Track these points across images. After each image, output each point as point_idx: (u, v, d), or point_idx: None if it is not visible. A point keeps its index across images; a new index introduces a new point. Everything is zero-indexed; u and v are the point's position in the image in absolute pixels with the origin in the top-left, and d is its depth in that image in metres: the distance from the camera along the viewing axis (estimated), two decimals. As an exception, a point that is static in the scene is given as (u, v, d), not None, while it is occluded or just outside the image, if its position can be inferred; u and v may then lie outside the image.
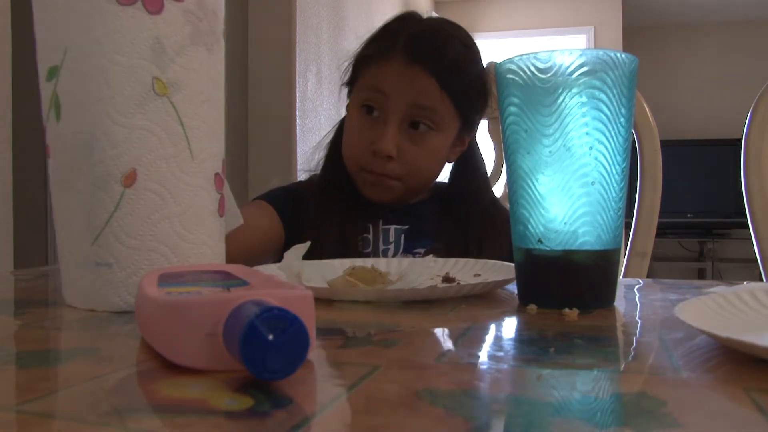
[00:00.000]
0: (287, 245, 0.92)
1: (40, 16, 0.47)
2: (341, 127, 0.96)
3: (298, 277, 0.54)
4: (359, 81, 0.90)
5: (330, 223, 0.90)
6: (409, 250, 0.89)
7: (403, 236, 0.91)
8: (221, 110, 0.50)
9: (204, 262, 0.47)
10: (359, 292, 0.49)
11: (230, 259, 0.56)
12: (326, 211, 0.91)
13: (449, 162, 0.95)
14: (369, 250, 0.90)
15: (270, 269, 0.57)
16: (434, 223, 0.93)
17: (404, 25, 0.88)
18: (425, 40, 0.85)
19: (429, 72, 0.83)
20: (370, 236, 0.91)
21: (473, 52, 0.89)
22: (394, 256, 0.89)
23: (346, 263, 0.63)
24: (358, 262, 0.64)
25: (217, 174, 0.49)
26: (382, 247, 0.90)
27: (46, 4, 0.46)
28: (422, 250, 0.88)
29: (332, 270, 0.58)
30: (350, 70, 0.93)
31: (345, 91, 0.95)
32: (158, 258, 0.45)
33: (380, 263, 0.63)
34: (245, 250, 0.85)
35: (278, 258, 0.93)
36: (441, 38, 0.86)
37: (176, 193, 0.46)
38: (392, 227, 0.91)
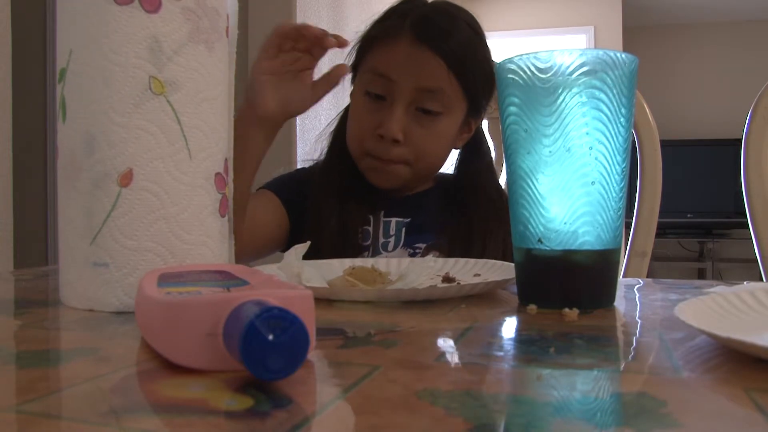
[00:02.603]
0: (292, 232, 0.91)
1: (57, 19, 0.48)
2: (345, 116, 0.94)
3: (298, 277, 0.54)
4: (364, 64, 0.88)
5: (329, 213, 0.88)
6: (409, 245, 0.88)
7: (404, 230, 0.89)
8: (224, 109, 0.50)
9: (203, 262, 0.47)
10: (359, 292, 0.49)
11: (237, 254, 0.55)
12: (326, 200, 0.89)
13: (456, 148, 0.93)
14: (368, 242, 0.88)
15: (270, 269, 0.57)
16: (437, 216, 0.91)
17: (411, 6, 0.87)
18: (433, 20, 0.84)
19: (436, 52, 0.82)
20: (371, 228, 0.89)
21: (479, 35, 0.89)
22: (394, 249, 0.88)
23: (346, 263, 0.63)
24: (358, 261, 0.64)
25: (218, 174, 0.49)
26: (381, 240, 0.89)
27: (59, 8, 0.47)
28: (423, 245, 0.87)
29: (332, 270, 0.58)
30: (354, 53, 0.91)
31: (344, 90, 0.94)
32: (155, 258, 0.45)
33: (380, 263, 0.63)
34: (250, 246, 0.85)
35: (285, 247, 0.92)
36: (448, 19, 0.85)
37: (173, 193, 0.46)
38: (393, 220, 0.90)
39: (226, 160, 0.51)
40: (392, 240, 0.89)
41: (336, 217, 0.88)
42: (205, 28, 0.47)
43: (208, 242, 0.48)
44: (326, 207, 0.89)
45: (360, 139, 0.87)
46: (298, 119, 2.35)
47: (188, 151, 0.46)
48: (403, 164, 0.86)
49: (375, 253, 0.88)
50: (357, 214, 0.89)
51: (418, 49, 0.82)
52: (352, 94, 0.92)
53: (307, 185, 0.93)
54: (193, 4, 0.46)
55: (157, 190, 0.45)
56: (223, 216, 0.50)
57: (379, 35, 0.87)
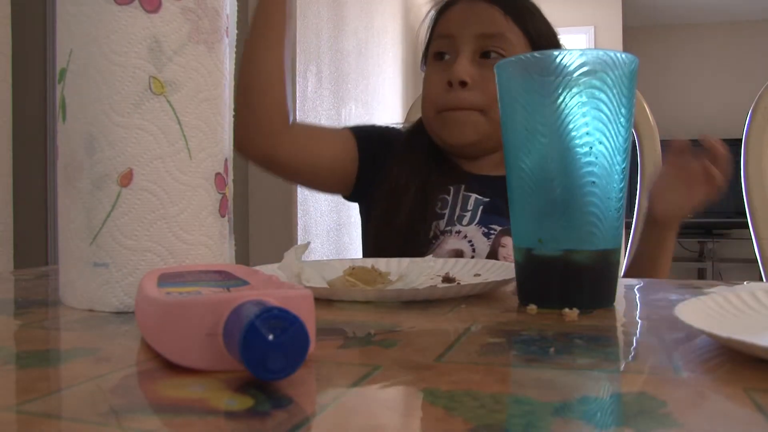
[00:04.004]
0: (360, 182, 0.94)
1: (57, 20, 0.48)
2: None
3: (298, 277, 0.54)
4: (432, 34, 0.93)
5: (414, 175, 0.90)
6: (484, 224, 0.88)
7: (481, 208, 0.89)
8: (224, 109, 0.50)
9: (203, 262, 0.47)
10: (359, 292, 0.49)
11: (289, 155, 0.56)
12: (409, 164, 0.92)
13: None
14: (445, 211, 0.89)
15: (270, 269, 0.57)
16: None
17: None
18: None
19: (491, 2, 0.86)
20: (449, 198, 0.91)
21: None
22: (468, 224, 0.88)
23: (346, 263, 0.63)
24: (358, 262, 0.64)
25: (218, 174, 0.49)
26: (458, 212, 0.89)
27: (60, 8, 0.47)
28: (498, 228, 0.87)
29: (332, 270, 0.58)
30: (429, 30, 0.95)
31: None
32: (154, 258, 0.45)
33: (380, 263, 0.63)
34: (306, 151, 0.90)
35: (349, 191, 0.96)
36: None
37: (173, 193, 0.46)
38: (473, 196, 0.90)
39: (226, 160, 0.51)
40: (468, 215, 0.89)
41: (418, 181, 0.90)
42: (205, 28, 0.47)
43: (208, 242, 0.48)
44: (408, 171, 0.91)
45: (432, 98, 0.90)
46: (298, 119, 2.35)
47: (188, 151, 0.46)
48: (477, 111, 0.87)
49: (449, 224, 0.89)
50: (438, 181, 0.91)
51: (473, 3, 0.87)
52: (426, 65, 0.95)
53: (392, 145, 0.96)
54: (193, 4, 0.46)
55: (157, 190, 0.45)
56: (223, 216, 0.50)
57: (440, 5, 0.93)
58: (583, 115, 0.44)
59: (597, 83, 0.44)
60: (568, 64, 0.44)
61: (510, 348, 0.35)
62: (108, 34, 0.44)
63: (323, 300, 0.49)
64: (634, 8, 4.67)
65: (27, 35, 2.00)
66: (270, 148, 0.88)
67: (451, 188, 0.91)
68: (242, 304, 0.28)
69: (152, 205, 0.45)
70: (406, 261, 0.64)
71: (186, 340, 0.29)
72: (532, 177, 0.45)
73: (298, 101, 2.35)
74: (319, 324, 0.39)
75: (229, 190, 0.51)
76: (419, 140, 0.94)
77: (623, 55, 0.44)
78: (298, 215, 2.24)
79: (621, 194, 0.46)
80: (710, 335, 0.31)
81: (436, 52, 0.90)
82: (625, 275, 0.85)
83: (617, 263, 0.47)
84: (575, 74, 0.44)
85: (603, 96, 0.44)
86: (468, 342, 0.36)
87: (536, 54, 0.45)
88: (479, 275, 0.59)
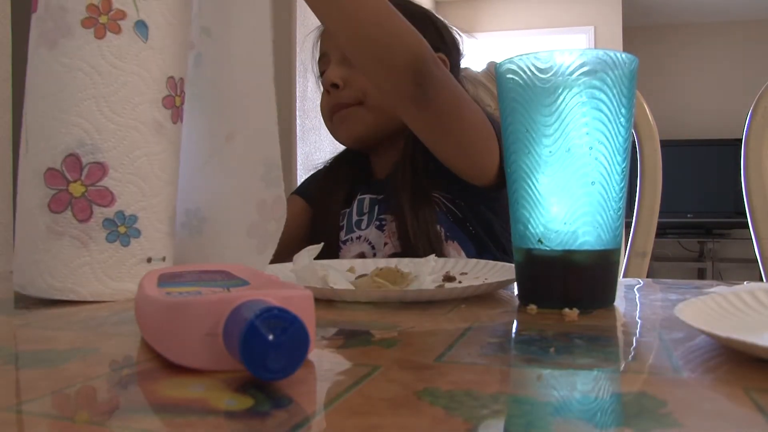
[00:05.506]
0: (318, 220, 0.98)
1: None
2: None
3: (324, 280, 0.53)
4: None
5: (321, 200, 0.97)
6: (377, 219, 0.90)
7: (377, 207, 0.91)
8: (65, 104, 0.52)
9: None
10: (361, 293, 0.49)
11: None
12: (320, 189, 0.99)
13: None
14: (343, 222, 0.93)
15: (277, 268, 0.57)
16: (406, 190, 0.89)
17: None
18: None
19: None
20: (347, 209, 0.94)
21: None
22: (367, 227, 0.90)
23: (346, 264, 0.62)
24: (381, 263, 0.63)
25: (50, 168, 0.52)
26: (355, 218, 0.92)
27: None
28: (388, 218, 0.89)
29: (339, 270, 0.57)
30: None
31: None
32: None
33: (403, 263, 0.62)
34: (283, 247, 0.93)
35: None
36: None
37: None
38: (367, 197, 0.93)
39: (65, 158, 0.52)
40: (365, 218, 0.91)
41: (323, 203, 0.96)
42: (48, 27, 0.51)
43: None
44: (319, 194, 0.98)
45: (322, 110, 0.95)
46: (298, 119, 2.35)
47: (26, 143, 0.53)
48: (356, 105, 0.90)
49: (348, 232, 0.92)
50: (341, 199, 0.96)
51: None
52: None
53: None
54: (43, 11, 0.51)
55: None
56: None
57: (320, 29, 0.98)
58: (583, 115, 0.44)
59: (597, 83, 0.44)
60: (567, 64, 0.44)
61: (510, 348, 0.35)
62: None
63: (323, 300, 0.49)
64: (634, 8, 4.66)
65: (27, 35, 1.99)
66: None
67: (352, 200, 0.95)
68: (242, 304, 0.28)
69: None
70: (406, 260, 0.64)
71: (186, 340, 0.29)
72: (531, 177, 0.45)
73: (298, 101, 2.35)
74: (319, 324, 0.40)
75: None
76: (335, 164, 1.01)
77: (623, 55, 0.44)
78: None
79: (621, 194, 0.46)
80: (710, 335, 0.31)
81: (320, 72, 0.96)
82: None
83: (617, 263, 0.47)
84: (575, 74, 0.44)
85: (603, 96, 0.44)
86: (468, 342, 0.36)
87: (536, 54, 0.45)
88: (479, 277, 0.59)
